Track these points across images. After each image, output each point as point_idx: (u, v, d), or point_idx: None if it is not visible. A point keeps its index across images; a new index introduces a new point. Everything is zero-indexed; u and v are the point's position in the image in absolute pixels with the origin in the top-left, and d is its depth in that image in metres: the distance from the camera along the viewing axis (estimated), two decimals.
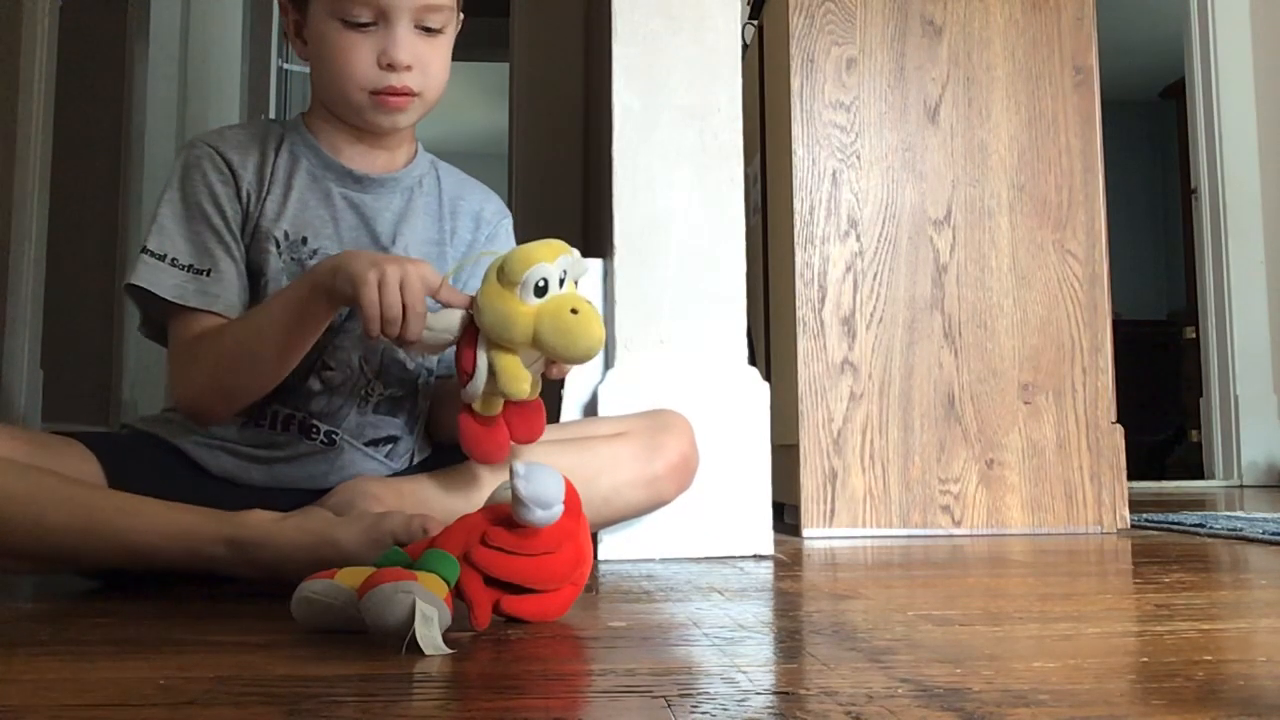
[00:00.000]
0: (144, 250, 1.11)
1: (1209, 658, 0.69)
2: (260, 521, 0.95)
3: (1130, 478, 1.74)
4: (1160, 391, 4.70)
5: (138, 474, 1.06)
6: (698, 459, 1.26)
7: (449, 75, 1.17)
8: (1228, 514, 2.03)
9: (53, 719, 0.54)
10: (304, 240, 1.14)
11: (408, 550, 0.81)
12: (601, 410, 1.32)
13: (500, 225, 1.27)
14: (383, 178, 1.18)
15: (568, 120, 2.67)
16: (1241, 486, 3.45)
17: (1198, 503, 2.59)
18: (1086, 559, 1.35)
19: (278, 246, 1.13)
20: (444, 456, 1.19)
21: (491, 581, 0.79)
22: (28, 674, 0.65)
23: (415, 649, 0.68)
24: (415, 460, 1.20)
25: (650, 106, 1.40)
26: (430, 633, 0.68)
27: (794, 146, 1.72)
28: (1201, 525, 1.70)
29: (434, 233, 1.21)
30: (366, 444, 1.15)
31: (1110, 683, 0.61)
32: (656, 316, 1.37)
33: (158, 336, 1.16)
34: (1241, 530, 1.58)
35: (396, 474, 1.16)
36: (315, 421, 1.13)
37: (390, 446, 1.17)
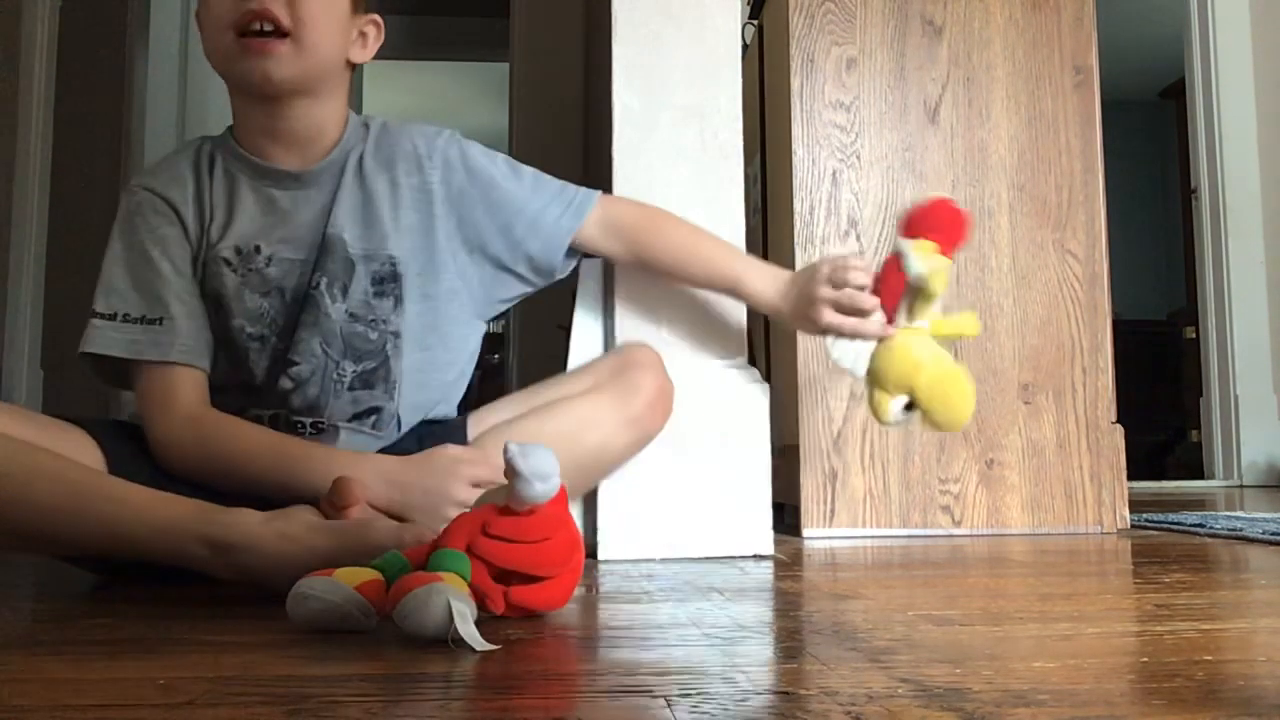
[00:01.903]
0: (93, 314, 1.12)
1: (1209, 658, 0.69)
2: (244, 524, 0.93)
3: (1130, 478, 1.74)
4: (1160, 391, 4.70)
5: (140, 461, 1.06)
6: (672, 385, 1.27)
7: (341, 45, 1.13)
8: (1228, 514, 2.03)
9: (53, 719, 0.54)
10: (256, 249, 1.14)
11: (408, 554, 0.81)
12: None
13: (439, 145, 1.21)
14: (316, 169, 1.16)
15: (568, 120, 2.67)
16: (1241, 486, 3.45)
17: (1198, 503, 2.59)
18: (1086, 559, 1.35)
19: (230, 265, 1.13)
20: (432, 428, 1.19)
21: (496, 576, 0.80)
22: (28, 674, 0.64)
23: (461, 645, 0.68)
24: (402, 429, 1.19)
25: (650, 106, 1.40)
26: (470, 629, 0.69)
27: (794, 146, 1.72)
28: (1201, 525, 1.70)
29: (362, 194, 1.17)
30: (350, 420, 1.15)
31: (1110, 683, 0.61)
32: (656, 317, 1.37)
33: (118, 382, 1.16)
34: (1241, 530, 1.58)
35: (388, 448, 1.16)
36: (297, 417, 1.14)
37: (374, 418, 1.17)
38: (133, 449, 1.09)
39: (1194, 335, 3.88)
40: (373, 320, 1.15)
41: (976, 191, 1.74)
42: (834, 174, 1.72)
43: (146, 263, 1.13)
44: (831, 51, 1.75)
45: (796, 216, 1.71)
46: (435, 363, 1.21)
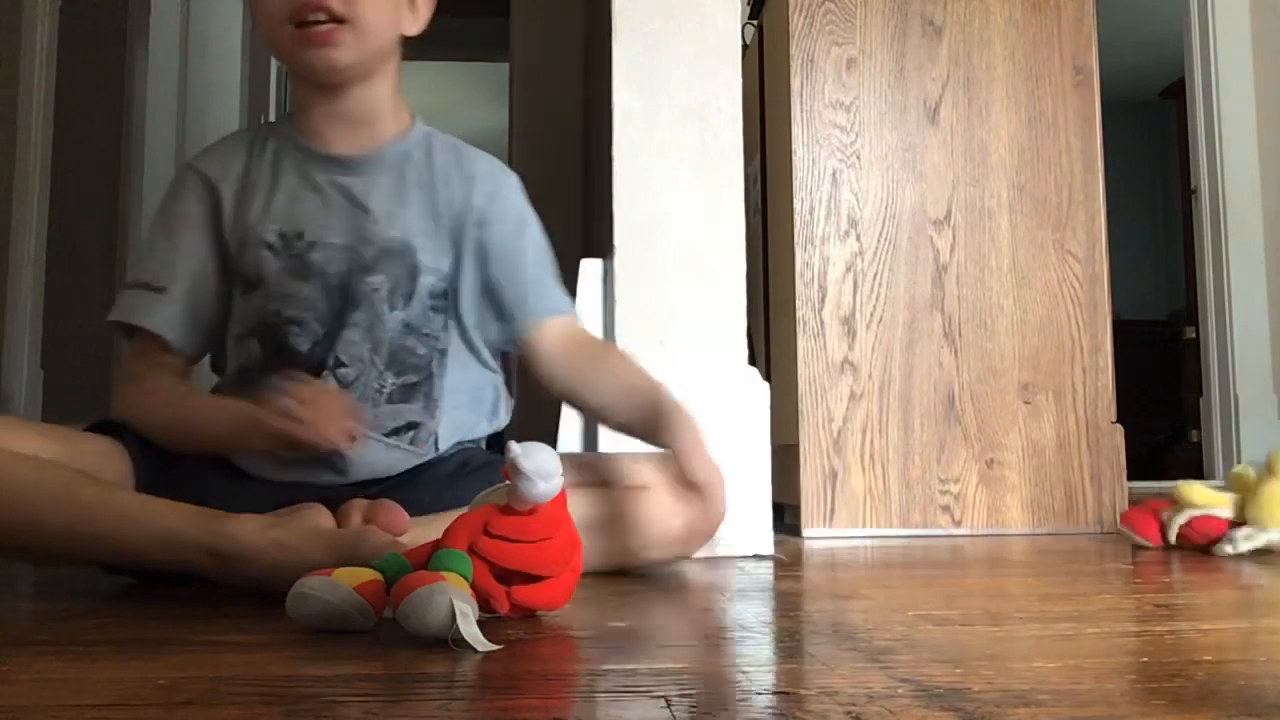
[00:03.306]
0: (123, 285, 1.15)
1: (1209, 658, 0.69)
2: (242, 534, 0.92)
3: (1130, 478, 1.74)
4: (1160, 391, 4.70)
5: (170, 472, 1.05)
6: (724, 508, 1.15)
7: (396, 20, 1.12)
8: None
9: (53, 719, 0.53)
10: (300, 235, 1.12)
11: (408, 555, 0.81)
12: None
13: (499, 182, 1.20)
14: (367, 157, 1.15)
15: (568, 120, 2.67)
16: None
17: None
18: (1086, 559, 1.35)
19: (273, 249, 1.12)
20: (469, 456, 1.17)
21: (498, 576, 0.80)
22: (28, 674, 0.64)
23: (463, 645, 0.68)
24: (441, 448, 1.16)
25: (650, 106, 1.40)
26: (472, 629, 0.69)
27: (794, 146, 1.72)
28: None
29: (427, 206, 1.16)
30: (387, 435, 1.12)
31: (1110, 683, 0.61)
32: (656, 316, 1.37)
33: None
34: None
35: (424, 464, 1.13)
36: None
37: (412, 434, 1.14)
38: (162, 453, 1.08)
39: (1194, 335, 3.88)
40: (426, 334, 1.13)
41: (976, 191, 1.74)
42: (834, 174, 1.72)
43: (168, 236, 1.15)
44: (831, 51, 1.75)
45: (796, 216, 1.71)
46: (471, 384, 1.19)
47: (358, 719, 0.53)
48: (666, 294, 1.37)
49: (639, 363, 1.21)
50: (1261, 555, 1.31)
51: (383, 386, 1.12)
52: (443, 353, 1.15)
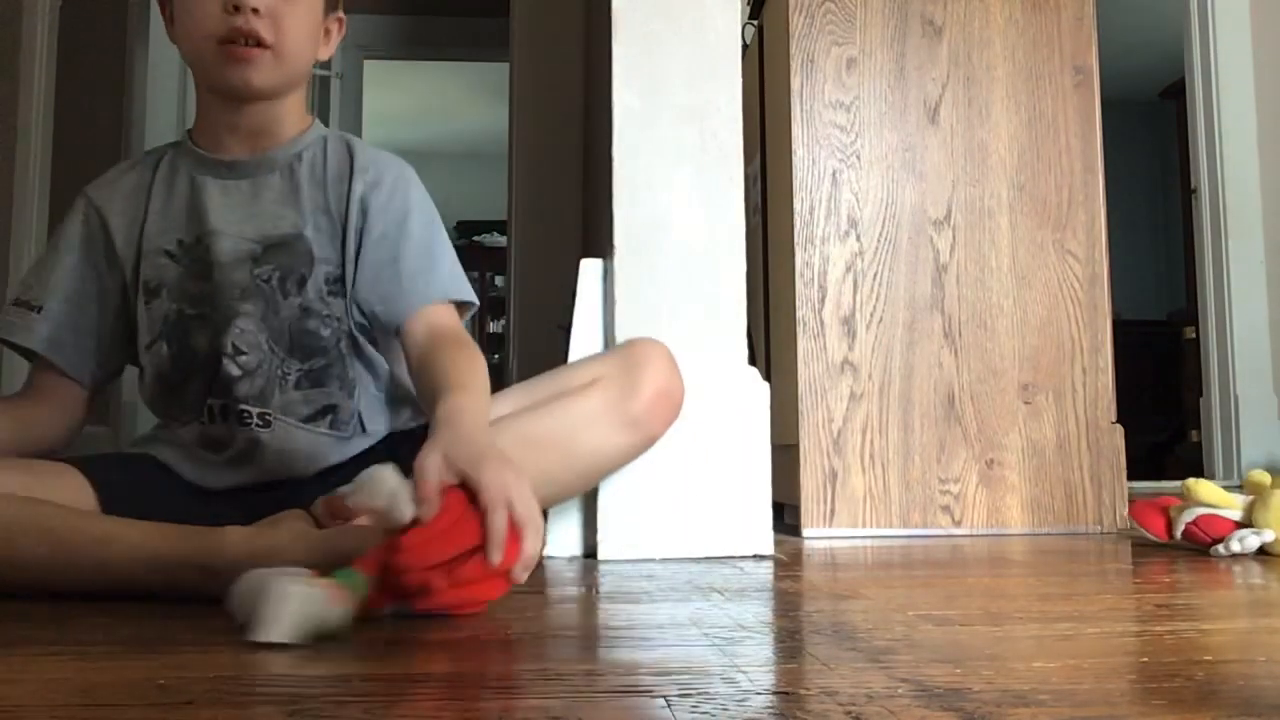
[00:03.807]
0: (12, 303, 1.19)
1: (1209, 658, 0.69)
2: (227, 546, 0.93)
3: (1130, 478, 1.74)
4: (1160, 391, 4.70)
5: (132, 495, 1.06)
6: (681, 385, 1.21)
7: (313, 50, 1.17)
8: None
9: (52, 719, 0.53)
10: (197, 240, 1.16)
11: (360, 564, 0.81)
12: None
13: (382, 171, 1.20)
14: (256, 159, 1.18)
15: (568, 120, 2.67)
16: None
17: None
18: (1086, 559, 1.35)
19: (172, 256, 1.16)
20: (400, 441, 1.16)
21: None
22: (28, 674, 0.64)
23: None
24: (368, 428, 1.18)
25: (650, 106, 1.40)
26: (282, 613, 0.69)
27: (794, 146, 1.72)
28: None
29: (319, 200, 1.18)
30: (304, 420, 1.15)
31: (1110, 683, 0.61)
32: (656, 316, 1.37)
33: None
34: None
35: (361, 455, 1.14)
36: (244, 406, 1.14)
37: (330, 416, 1.16)
38: (127, 480, 1.10)
39: (1194, 335, 3.88)
40: (326, 315, 1.16)
41: (976, 191, 1.74)
42: (834, 174, 1.72)
43: (53, 257, 1.20)
44: (831, 51, 1.75)
45: (796, 216, 1.71)
46: (384, 362, 1.21)
47: (358, 719, 0.53)
48: (666, 294, 1.37)
49: (472, 375, 1.05)
50: (1261, 555, 1.31)
51: (287, 373, 1.15)
52: (350, 334, 1.17)
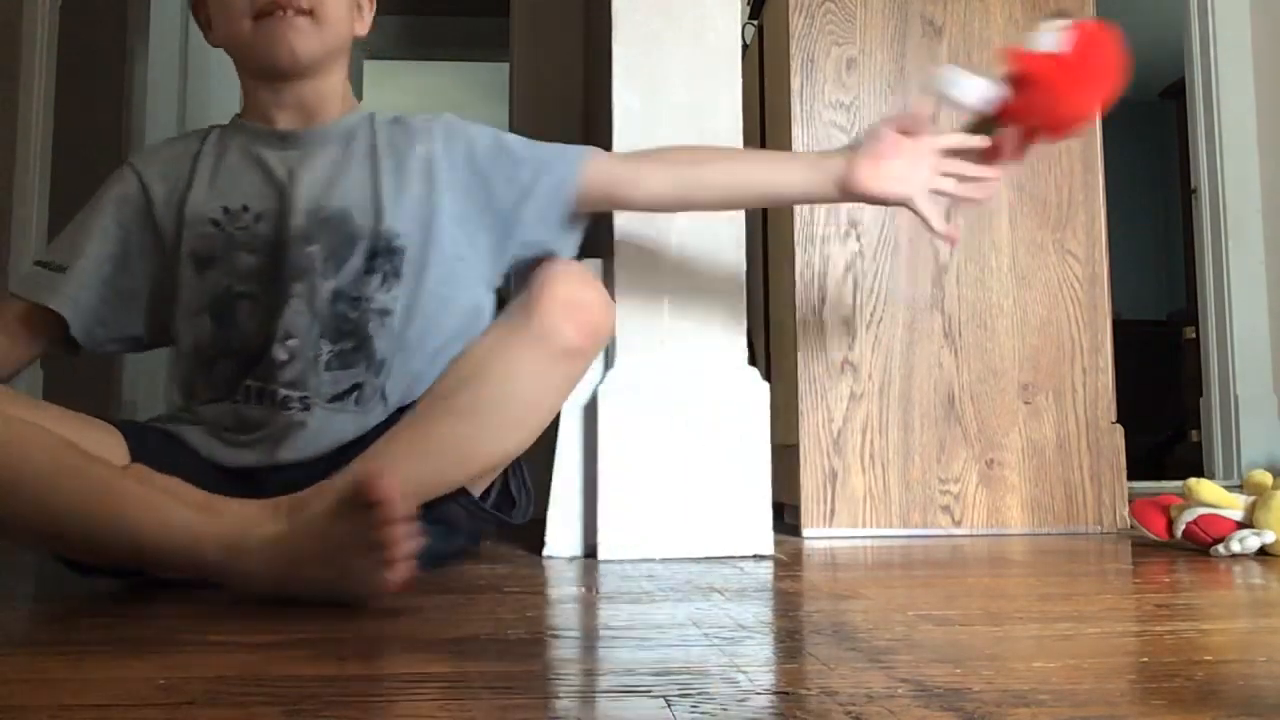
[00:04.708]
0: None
1: (1209, 658, 0.69)
2: (260, 525, 0.93)
3: (1130, 478, 1.74)
4: (1160, 391, 4.69)
5: (159, 463, 1.04)
6: (599, 300, 1.11)
7: (350, 21, 1.19)
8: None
9: (52, 719, 0.53)
10: (244, 208, 1.16)
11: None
12: (602, 413, 1.32)
13: (443, 121, 1.24)
14: (311, 132, 1.20)
15: (568, 120, 2.66)
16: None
17: None
18: (1086, 559, 1.35)
19: (218, 225, 1.16)
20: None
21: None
22: (28, 674, 0.64)
23: None
24: (389, 402, 1.15)
25: (650, 106, 1.40)
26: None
27: (794, 146, 1.72)
28: None
29: (369, 173, 1.19)
30: (329, 400, 1.13)
31: (1110, 683, 0.61)
32: (656, 316, 1.37)
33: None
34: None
35: (372, 428, 1.12)
36: (287, 392, 1.12)
37: (356, 394, 1.14)
38: (147, 449, 1.08)
39: (1194, 335, 3.88)
40: (356, 299, 1.15)
41: None
42: None
43: (85, 221, 1.20)
44: (831, 51, 1.75)
45: (796, 216, 1.71)
46: (439, 330, 1.18)
47: (357, 719, 0.53)
48: (666, 294, 1.37)
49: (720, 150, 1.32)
50: (1262, 556, 1.31)
51: (318, 355, 1.13)
52: (382, 312, 1.15)
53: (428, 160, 1.21)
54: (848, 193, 1.18)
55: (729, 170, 1.25)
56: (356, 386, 1.14)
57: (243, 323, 1.15)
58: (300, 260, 1.14)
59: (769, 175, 1.25)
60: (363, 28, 1.25)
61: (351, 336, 1.15)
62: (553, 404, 1.13)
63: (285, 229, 1.15)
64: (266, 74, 1.18)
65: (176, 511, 0.95)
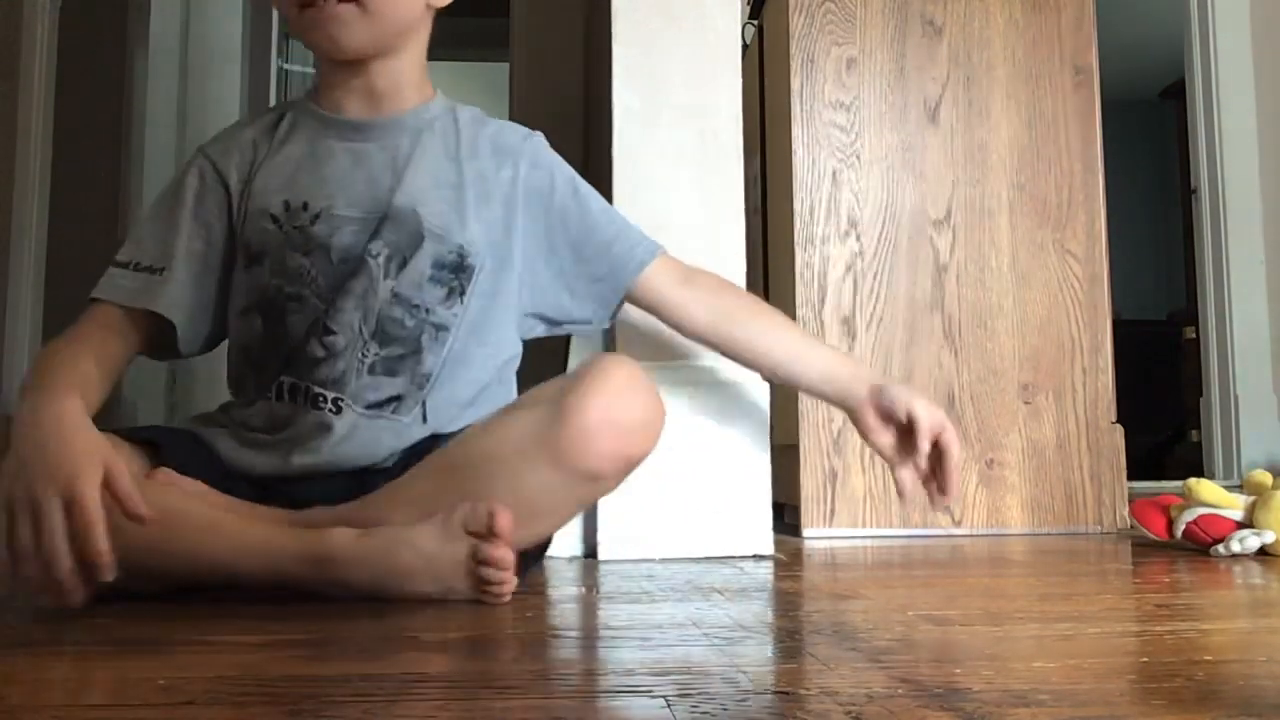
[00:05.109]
0: (112, 263, 1.11)
1: (1209, 658, 0.69)
2: (343, 541, 0.92)
3: (1130, 478, 1.74)
4: (1160, 391, 4.69)
5: (200, 469, 1.02)
6: (643, 419, 0.99)
7: (416, 8, 1.10)
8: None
9: (53, 719, 0.53)
10: (305, 205, 1.09)
11: None
12: None
13: (535, 148, 1.19)
14: (384, 121, 1.13)
15: (568, 120, 2.66)
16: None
17: None
18: (1086, 559, 1.35)
19: (276, 221, 1.09)
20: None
21: None
22: (28, 674, 0.64)
23: None
24: (430, 421, 1.09)
25: (650, 106, 1.40)
26: None
27: (794, 146, 1.72)
28: None
29: (448, 175, 1.13)
30: (368, 408, 1.07)
31: (1110, 683, 0.61)
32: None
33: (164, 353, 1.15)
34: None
35: (412, 445, 1.08)
36: (320, 390, 1.07)
37: (394, 405, 1.08)
38: (192, 454, 1.05)
39: (1194, 335, 3.87)
40: (415, 306, 1.08)
41: (976, 191, 1.74)
42: (834, 174, 1.72)
43: (170, 217, 1.13)
44: (831, 51, 1.75)
45: (796, 216, 1.71)
46: (487, 365, 1.14)
47: (357, 719, 0.53)
48: None
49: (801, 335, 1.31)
50: (1262, 556, 1.31)
51: (365, 357, 1.07)
52: (438, 326, 1.10)
53: (513, 183, 1.16)
54: (856, 406, 1.19)
55: (761, 334, 1.22)
56: (397, 398, 1.08)
57: (291, 325, 1.08)
58: (363, 255, 1.08)
59: (793, 356, 1.22)
60: None
61: (401, 344, 1.08)
62: (565, 516, 1.06)
63: (347, 225, 1.09)
64: (326, 57, 1.12)
65: (251, 530, 0.94)
